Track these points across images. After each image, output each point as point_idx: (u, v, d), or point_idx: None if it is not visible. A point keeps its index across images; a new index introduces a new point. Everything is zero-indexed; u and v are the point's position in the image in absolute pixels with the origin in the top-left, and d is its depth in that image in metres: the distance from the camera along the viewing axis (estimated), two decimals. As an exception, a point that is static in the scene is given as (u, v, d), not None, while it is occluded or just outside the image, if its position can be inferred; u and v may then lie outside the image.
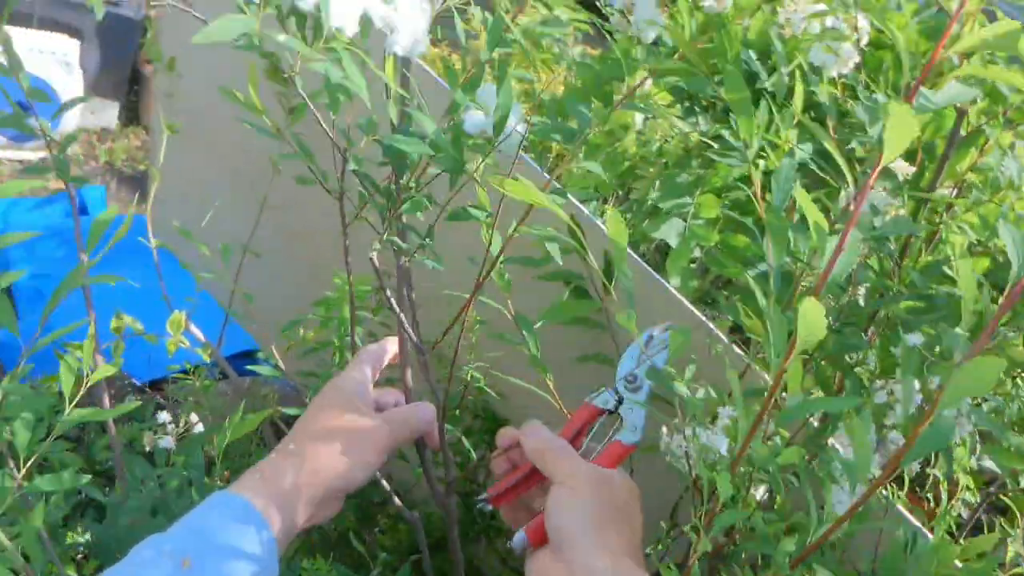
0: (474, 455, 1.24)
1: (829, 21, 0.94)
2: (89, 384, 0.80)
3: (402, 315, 0.87)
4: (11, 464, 0.78)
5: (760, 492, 0.86)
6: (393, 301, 0.87)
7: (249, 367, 1.18)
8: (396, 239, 0.82)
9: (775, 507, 0.83)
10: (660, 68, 0.84)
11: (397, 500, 0.97)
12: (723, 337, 0.99)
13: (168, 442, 1.04)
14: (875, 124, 0.87)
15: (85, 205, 3.14)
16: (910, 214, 0.86)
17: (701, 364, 0.94)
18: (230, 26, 0.61)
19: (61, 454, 1.12)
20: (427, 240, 0.83)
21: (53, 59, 3.57)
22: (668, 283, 1.08)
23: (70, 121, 3.61)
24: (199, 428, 1.11)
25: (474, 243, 0.84)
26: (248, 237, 1.22)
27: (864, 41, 0.93)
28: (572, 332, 1.14)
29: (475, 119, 0.76)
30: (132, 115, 3.94)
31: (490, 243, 0.80)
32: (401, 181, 0.80)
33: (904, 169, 0.85)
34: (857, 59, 0.94)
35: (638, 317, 1.09)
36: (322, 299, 1.11)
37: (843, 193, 0.89)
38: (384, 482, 0.98)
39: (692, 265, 1.41)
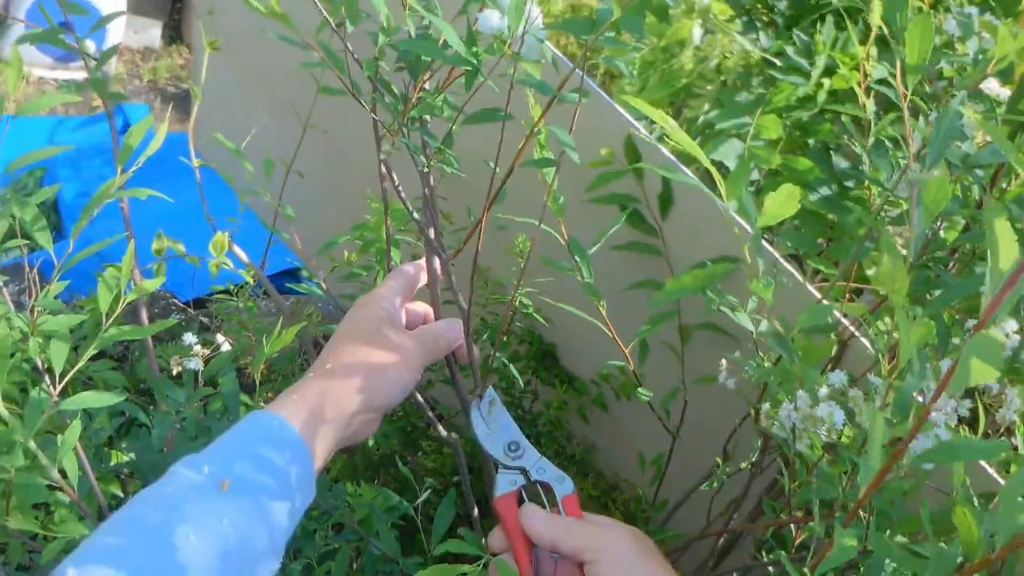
0: (520, 381, 1.21)
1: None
2: (127, 301, 0.78)
3: (423, 223, 0.84)
4: (47, 381, 0.76)
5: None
6: (410, 206, 0.84)
7: (290, 286, 1.15)
8: (408, 140, 0.78)
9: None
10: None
11: (439, 426, 0.94)
12: (792, 271, 0.94)
13: (196, 363, 1.01)
14: (967, 40, 0.81)
15: (129, 124, 3.12)
16: (1008, 137, 0.79)
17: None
18: None
19: (106, 372, 1.10)
20: (443, 145, 0.79)
21: (97, -23, 3.52)
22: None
23: (113, 40, 3.57)
24: (225, 348, 1.09)
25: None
26: (291, 157, 1.18)
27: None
28: (626, 259, 1.09)
29: (489, 19, 0.71)
30: (175, 34, 3.90)
31: (524, 145, 0.75)
32: (417, 84, 0.76)
33: (997, 90, 0.78)
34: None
35: (696, 245, 1.04)
36: (360, 223, 1.07)
37: (922, 119, 0.83)
38: (425, 407, 0.96)
39: (750, 189, 1.35)
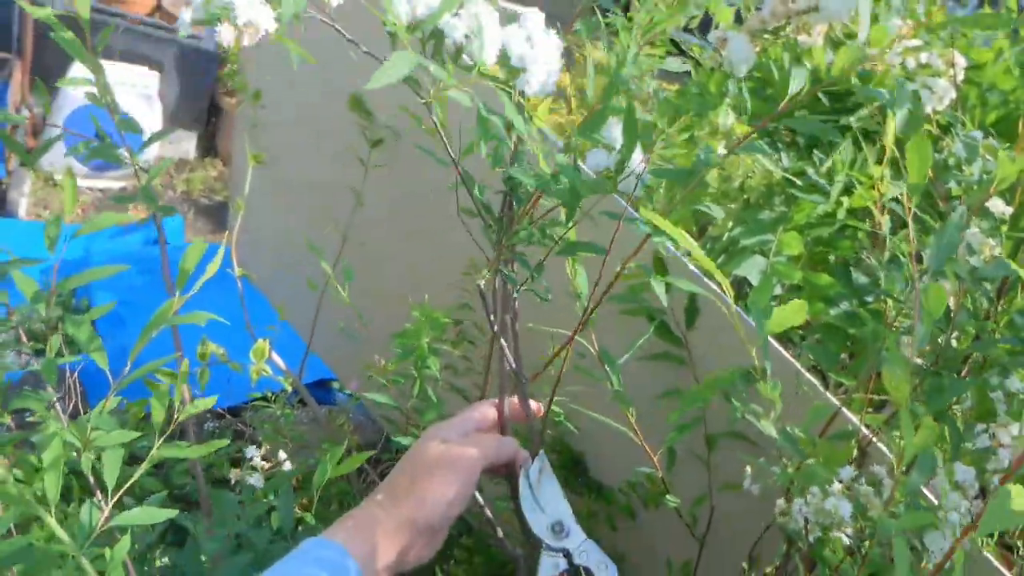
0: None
1: (924, 57, 0.92)
2: (180, 419, 0.81)
3: (504, 344, 0.86)
4: (99, 496, 0.78)
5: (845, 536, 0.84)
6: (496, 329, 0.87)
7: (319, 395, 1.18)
8: (506, 270, 0.81)
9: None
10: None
11: (502, 538, 0.95)
12: (812, 379, 0.97)
13: (257, 479, 1.03)
14: (973, 162, 0.86)
15: (164, 234, 3.20)
16: (1008, 255, 0.84)
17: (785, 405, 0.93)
18: (399, 65, 0.62)
19: (142, 479, 1.13)
20: (535, 274, 0.83)
21: (134, 91, 3.66)
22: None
23: (150, 152, 3.69)
24: (287, 466, 1.10)
25: (557, 279, 0.84)
26: (332, 266, 1.23)
27: (960, 78, 0.91)
28: (653, 368, 1.13)
29: (598, 156, 0.76)
30: (209, 146, 4.02)
31: (597, 281, 0.80)
32: (515, 212, 0.79)
33: (1001, 209, 0.83)
34: (953, 96, 0.92)
35: (720, 355, 1.08)
36: (400, 331, 1.11)
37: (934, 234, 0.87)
38: (492, 520, 0.96)
39: (772, 303, 1.39)
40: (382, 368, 1.16)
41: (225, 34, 0.68)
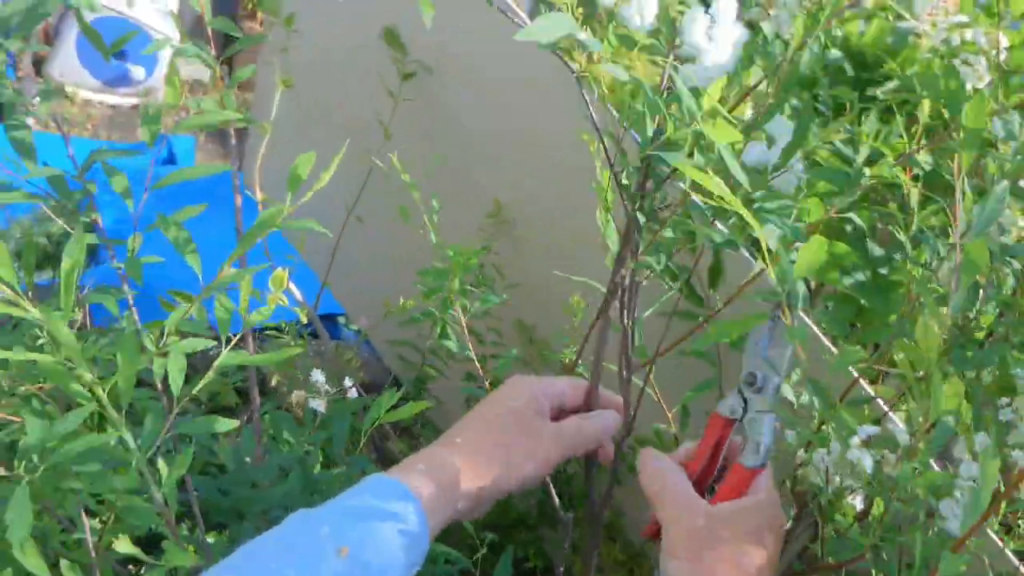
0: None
1: (969, 34, 0.92)
2: (249, 324, 0.81)
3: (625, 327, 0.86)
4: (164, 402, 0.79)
5: (857, 501, 0.85)
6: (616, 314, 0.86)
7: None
8: (648, 259, 0.80)
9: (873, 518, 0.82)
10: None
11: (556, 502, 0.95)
12: (831, 346, 0.98)
13: (319, 405, 1.03)
14: (1010, 140, 0.86)
15: (173, 154, 3.19)
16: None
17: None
18: (553, 26, 0.60)
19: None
20: (670, 262, 0.83)
21: (152, 6, 3.61)
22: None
23: (164, 67, 3.66)
24: (352, 393, 1.09)
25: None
26: (351, 198, 1.22)
27: (1004, 57, 0.91)
28: (674, 326, 1.13)
29: (757, 150, 0.74)
30: (226, 69, 3.98)
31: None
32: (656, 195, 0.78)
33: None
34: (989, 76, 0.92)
35: (743, 314, 1.08)
36: (428, 269, 1.10)
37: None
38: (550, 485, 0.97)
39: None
40: (400, 307, 1.16)
41: None
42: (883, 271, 1.32)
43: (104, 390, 0.70)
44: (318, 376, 1.05)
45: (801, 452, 0.80)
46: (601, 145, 0.79)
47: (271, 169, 1.30)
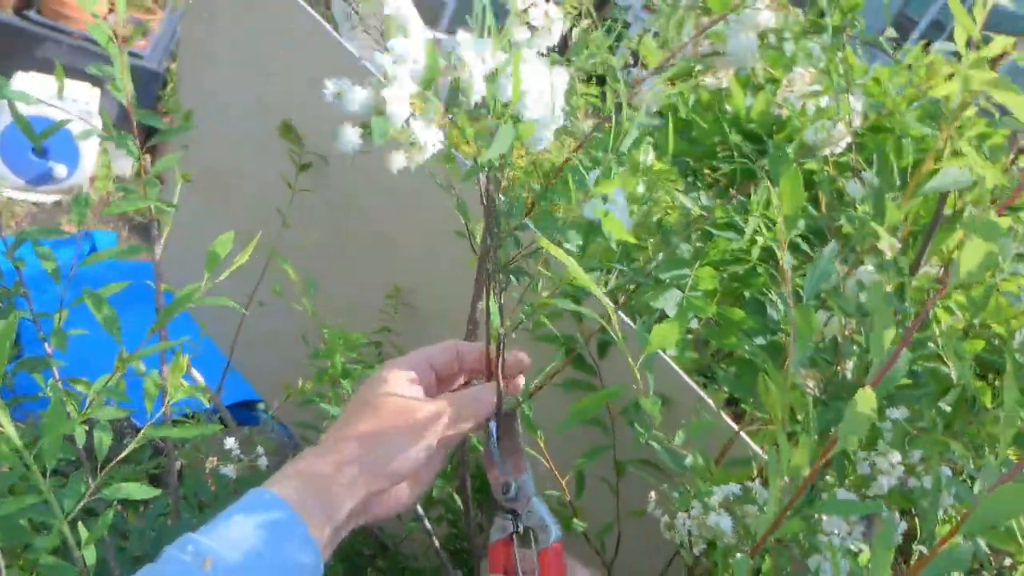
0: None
1: (823, 101, 0.97)
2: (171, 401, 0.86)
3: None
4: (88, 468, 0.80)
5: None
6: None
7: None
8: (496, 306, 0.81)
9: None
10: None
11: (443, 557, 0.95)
12: (713, 405, 1.01)
13: (230, 471, 1.04)
14: (865, 203, 0.90)
15: (96, 249, 3.18)
16: (895, 291, 0.88)
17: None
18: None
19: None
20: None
21: (74, 107, 3.63)
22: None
23: (87, 165, 3.66)
24: (263, 461, 1.10)
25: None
26: (253, 289, 1.24)
27: (857, 122, 0.96)
28: (566, 396, 1.15)
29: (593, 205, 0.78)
30: (148, 159, 3.99)
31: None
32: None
33: (893, 247, 0.87)
34: (848, 139, 0.97)
35: (631, 383, 1.11)
36: (317, 350, 1.13)
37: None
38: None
39: (690, 336, 1.43)
40: (300, 388, 1.17)
41: (394, 161, 0.69)
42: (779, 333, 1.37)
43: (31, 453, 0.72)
44: (231, 443, 1.06)
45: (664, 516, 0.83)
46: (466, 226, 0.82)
47: (175, 260, 1.31)
